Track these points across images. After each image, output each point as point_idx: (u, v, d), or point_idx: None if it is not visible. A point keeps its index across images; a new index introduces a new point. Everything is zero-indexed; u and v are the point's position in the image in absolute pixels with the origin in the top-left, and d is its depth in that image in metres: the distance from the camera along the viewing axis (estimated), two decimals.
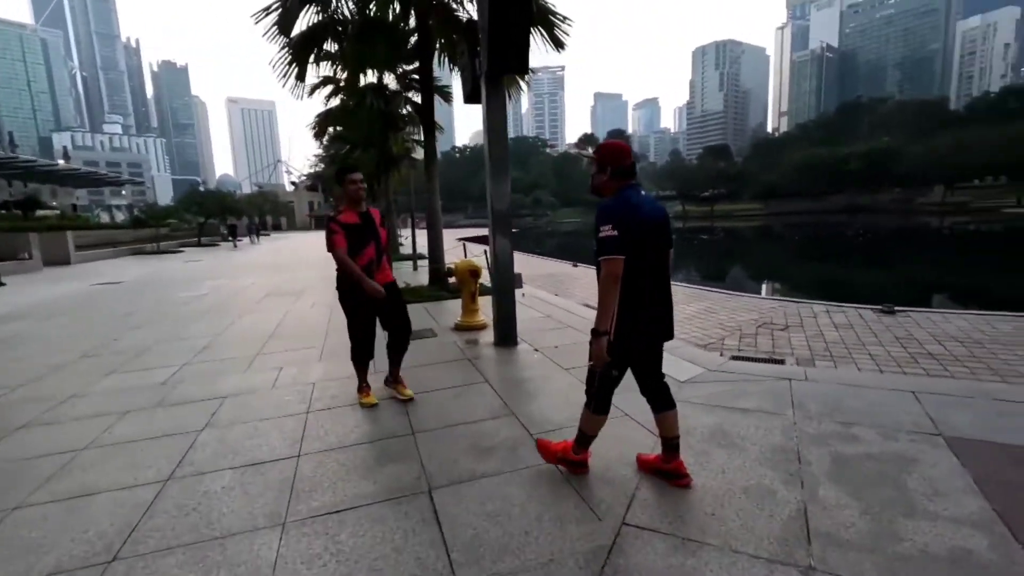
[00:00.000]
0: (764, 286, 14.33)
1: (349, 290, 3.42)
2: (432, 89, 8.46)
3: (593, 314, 2.30)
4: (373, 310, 3.51)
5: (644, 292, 2.20)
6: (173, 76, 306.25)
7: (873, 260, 21.19)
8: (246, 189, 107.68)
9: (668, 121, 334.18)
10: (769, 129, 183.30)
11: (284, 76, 7.78)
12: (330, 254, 3.35)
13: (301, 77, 7.98)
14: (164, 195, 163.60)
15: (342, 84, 14.50)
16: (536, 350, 4.83)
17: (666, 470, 2.48)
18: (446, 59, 9.46)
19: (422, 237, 27.24)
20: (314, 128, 15.66)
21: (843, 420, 2.99)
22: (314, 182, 75.34)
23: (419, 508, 2.33)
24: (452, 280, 5.97)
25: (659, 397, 2.47)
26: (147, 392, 4.19)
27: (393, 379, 3.81)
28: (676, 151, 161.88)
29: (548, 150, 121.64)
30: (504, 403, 3.54)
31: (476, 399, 3.66)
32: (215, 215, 33.75)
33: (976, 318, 6.43)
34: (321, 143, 20.59)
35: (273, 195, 60.97)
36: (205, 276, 13.93)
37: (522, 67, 4.28)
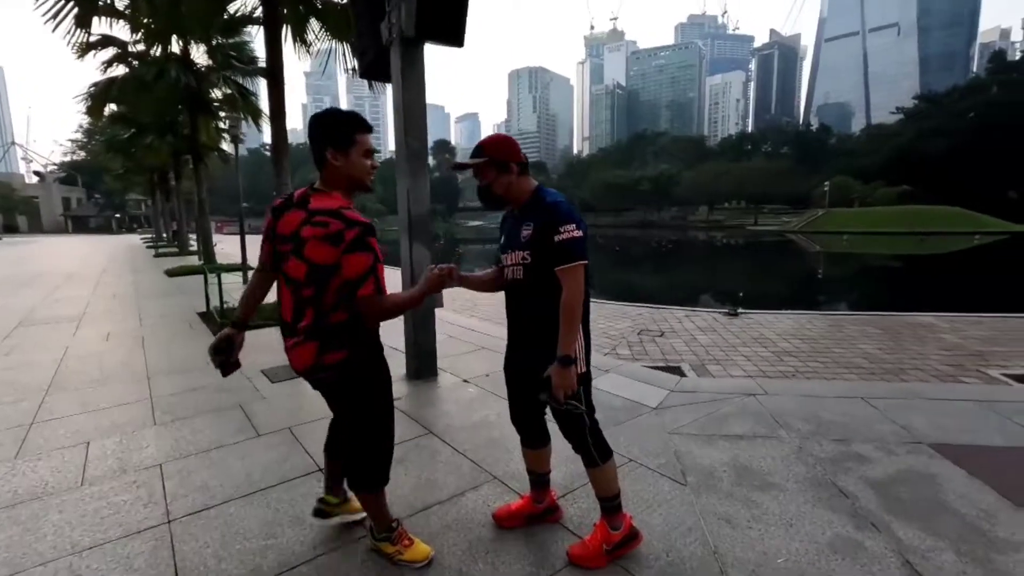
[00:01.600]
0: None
1: (377, 372, 1.87)
2: (280, 63, 6.90)
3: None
4: None
5: (588, 304, 1.88)
6: None
7: (683, 266, 24.81)
8: None
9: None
10: (575, 151, 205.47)
11: (55, 17, 5.47)
12: (364, 301, 1.64)
13: (84, 23, 5.71)
14: None
15: (132, 50, 11.39)
16: (466, 382, 4.02)
17: (541, 511, 2.19)
18: (289, 33, 7.93)
19: (229, 242, 23.26)
20: (86, 102, 11.92)
21: (836, 437, 2.91)
22: (71, 173, 59.76)
23: None
24: None
25: (544, 429, 2.11)
26: None
27: (336, 490, 2.16)
28: None
29: None
30: (474, 463, 2.70)
31: (432, 462, 2.73)
32: None
33: (796, 317, 7.53)
34: (94, 123, 16.00)
35: (6, 187, 46.38)
36: None
37: (457, 32, 3.44)
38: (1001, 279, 17.55)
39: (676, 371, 4.83)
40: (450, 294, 9.26)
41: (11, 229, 51.59)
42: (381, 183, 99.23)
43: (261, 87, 14.57)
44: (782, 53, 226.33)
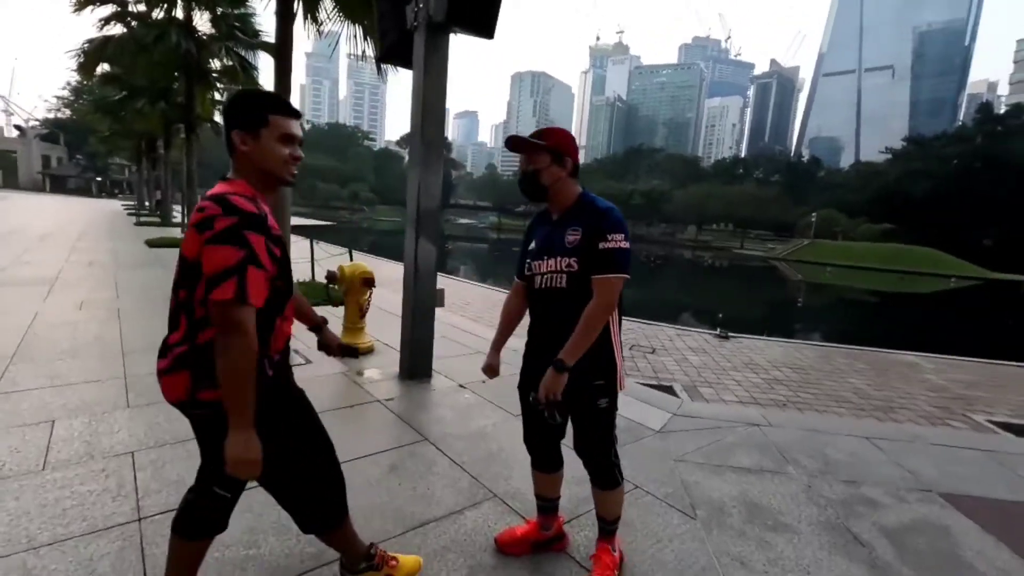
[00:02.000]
0: None
1: (274, 413, 1.40)
2: (290, 38, 6.66)
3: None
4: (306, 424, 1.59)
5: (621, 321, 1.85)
6: None
7: (671, 283, 25.00)
8: None
9: (485, 135, 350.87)
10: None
11: None
12: (227, 312, 1.20)
13: None
14: None
15: (132, 9, 10.98)
16: (462, 387, 3.86)
17: (547, 538, 2.05)
18: (300, 9, 7.68)
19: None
20: (78, 58, 11.45)
21: (845, 478, 2.83)
22: (53, 130, 57.84)
23: None
24: (334, 287, 4.58)
25: (559, 453, 2.00)
26: None
27: None
28: (492, 165, 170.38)
29: (368, 143, 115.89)
30: (473, 478, 2.54)
31: (428, 473, 2.57)
32: None
33: (785, 346, 7.56)
34: (83, 82, 15.42)
35: None
36: None
37: (489, 22, 3.27)
38: (975, 323, 18.00)
39: (668, 390, 4.80)
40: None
41: None
42: (375, 173, 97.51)
43: (261, 62, 14.24)
44: (780, 83, 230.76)
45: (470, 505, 2.30)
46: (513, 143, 1.77)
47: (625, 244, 1.63)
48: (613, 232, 1.61)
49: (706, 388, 5.08)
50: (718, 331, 7.87)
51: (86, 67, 11.87)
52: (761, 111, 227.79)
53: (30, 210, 23.14)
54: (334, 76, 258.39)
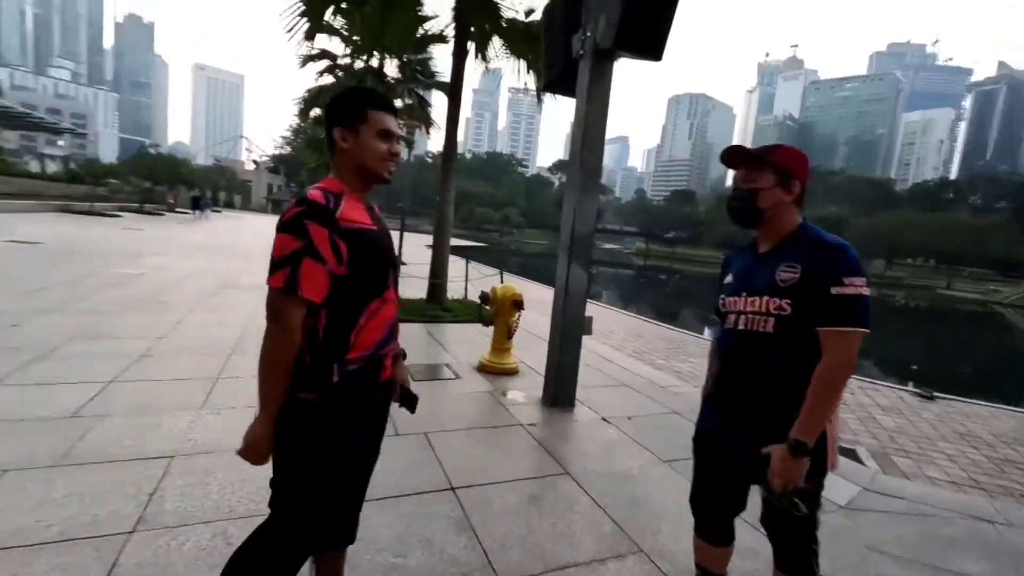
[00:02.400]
0: None
1: (333, 417, 1.32)
2: (462, 78, 7.31)
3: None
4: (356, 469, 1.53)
5: None
6: (137, 31, 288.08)
7: None
8: (201, 160, 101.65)
9: (636, 160, 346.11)
10: (728, 184, 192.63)
11: (291, 30, 6.44)
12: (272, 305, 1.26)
13: (311, 35, 6.67)
14: (108, 152, 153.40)
15: (339, 62, 13.17)
16: (605, 420, 3.69)
17: None
18: (472, 50, 8.38)
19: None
20: (300, 104, 14.06)
21: None
22: (277, 164, 71.58)
23: None
24: (486, 307, 4.78)
25: (732, 526, 1.71)
26: (46, 430, 2.73)
27: None
28: (641, 190, 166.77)
29: (521, 169, 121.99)
30: (616, 524, 2.36)
31: (568, 510, 2.45)
32: (164, 182, 30.91)
33: (1020, 416, 5.93)
34: (300, 123, 18.85)
35: (231, 171, 57.23)
36: (145, 250, 11.91)
37: (657, 45, 3.17)
38: None
39: (850, 455, 4.07)
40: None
41: (229, 205, 63.45)
42: (526, 198, 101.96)
43: (433, 99, 15.97)
44: (1011, 88, 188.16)
45: (613, 556, 2.13)
46: (730, 156, 1.54)
47: (866, 291, 1.33)
48: (851, 275, 1.32)
49: (903, 459, 4.20)
50: (919, 389, 6.51)
51: (304, 112, 14.51)
52: (981, 124, 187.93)
53: (256, 227, 28.73)
54: (494, 109, 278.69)
